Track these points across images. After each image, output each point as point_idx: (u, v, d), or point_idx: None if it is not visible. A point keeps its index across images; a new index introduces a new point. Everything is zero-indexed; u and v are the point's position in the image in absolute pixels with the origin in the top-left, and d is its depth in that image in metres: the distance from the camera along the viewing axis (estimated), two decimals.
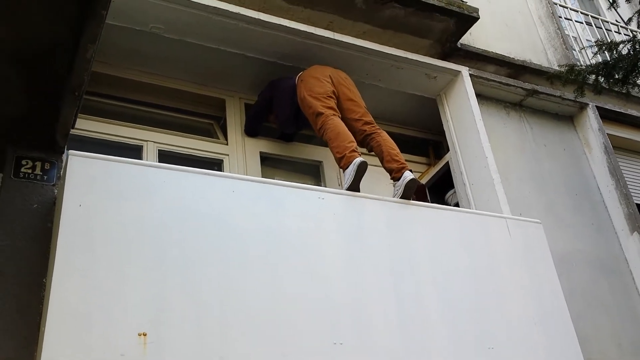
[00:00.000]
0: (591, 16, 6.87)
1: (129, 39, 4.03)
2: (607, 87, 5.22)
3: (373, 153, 4.07)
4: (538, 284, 3.82)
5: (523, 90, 5.31)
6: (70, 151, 2.79)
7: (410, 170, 3.83)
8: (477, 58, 5.17)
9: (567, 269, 4.55)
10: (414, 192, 3.78)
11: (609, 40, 5.25)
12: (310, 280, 3.04)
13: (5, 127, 2.89)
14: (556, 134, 5.47)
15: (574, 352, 3.69)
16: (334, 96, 4.10)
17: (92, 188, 2.72)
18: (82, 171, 2.74)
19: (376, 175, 4.33)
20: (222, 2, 3.99)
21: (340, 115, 4.02)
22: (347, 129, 3.90)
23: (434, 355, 3.19)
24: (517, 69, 5.41)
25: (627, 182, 5.36)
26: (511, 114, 5.30)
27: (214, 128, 4.57)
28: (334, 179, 4.62)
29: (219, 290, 2.77)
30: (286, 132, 4.61)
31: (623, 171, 5.43)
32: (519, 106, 5.40)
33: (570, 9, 6.76)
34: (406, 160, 3.99)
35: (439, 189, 5.15)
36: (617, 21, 6.86)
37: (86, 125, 3.92)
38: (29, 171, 2.95)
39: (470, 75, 4.99)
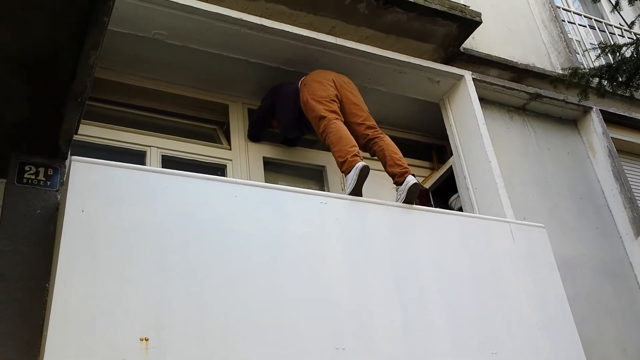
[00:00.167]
0: (594, 19, 6.86)
1: (132, 45, 4.05)
2: (611, 90, 5.21)
3: (376, 157, 4.06)
4: (542, 288, 3.81)
5: (526, 94, 5.31)
6: (73, 157, 2.80)
7: (413, 175, 3.82)
8: (480, 62, 5.17)
9: (571, 273, 4.53)
10: (417, 197, 3.77)
11: (612, 43, 5.24)
12: (312, 284, 3.04)
13: (8, 133, 2.90)
14: (560, 138, 5.46)
15: (578, 357, 3.68)
16: (336, 100, 4.11)
17: (94, 193, 2.73)
18: (84, 176, 2.74)
19: (379, 179, 4.33)
20: (225, 8, 4.00)
21: (343, 119, 4.02)
22: (349, 133, 3.90)
23: (437, 359, 3.18)
24: (520, 72, 5.41)
25: (632, 186, 5.34)
26: (514, 118, 5.29)
27: (217, 133, 4.58)
28: (337, 184, 4.62)
29: (221, 294, 2.77)
30: (289, 137, 4.62)
31: (627, 175, 5.42)
32: (522, 110, 5.39)
33: (574, 12, 6.75)
34: (409, 165, 3.99)
35: (442, 194, 5.14)
36: (620, 24, 6.85)
37: (90, 131, 3.93)
38: (32, 177, 2.97)
39: (473, 79, 4.99)
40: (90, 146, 3.90)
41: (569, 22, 6.55)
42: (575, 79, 5.00)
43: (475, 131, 4.75)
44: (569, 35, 6.26)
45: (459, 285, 3.51)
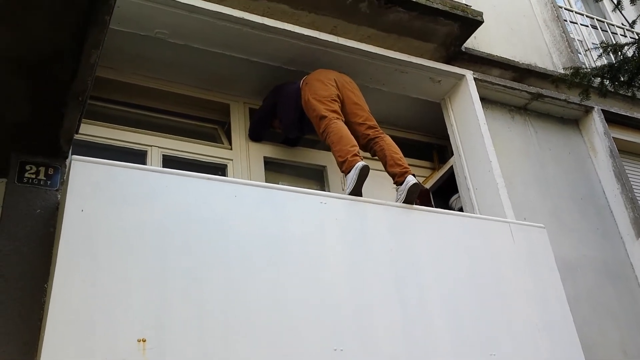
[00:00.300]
0: (596, 19, 6.84)
1: (134, 44, 4.05)
2: (613, 90, 5.20)
3: (376, 157, 4.06)
4: (542, 288, 3.81)
5: (528, 93, 5.30)
6: (73, 156, 2.80)
7: (414, 175, 3.82)
8: (481, 62, 5.16)
9: (572, 274, 4.52)
10: (417, 197, 3.77)
11: (614, 42, 5.23)
12: (312, 284, 3.04)
13: (9, 133, 2.90)
14: (561, 138, 5.45)
15: (578, 358, 3.67)
16: (338, 100, 4.11)
17: (94, 193, 2.73)
18: (84, 176, 2.75)
19: (379, 179, 4.33)
20: (227, 7, 4.00)
21: (343, 119, 4.02)
22: (350, 132, 3.90)
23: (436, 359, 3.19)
24: (521, 72, 5.40)
25: (633, 186, 5.33)
26: (516, 118, 5.29)
27: (218, 133, 4.58)
28: (338, 184, 4.62)
29: (221, 294, 2.77)
30: (290, 137, 4.62)
31: (629, 175, 5.40)
32: (523, 110, 5.38)
33: (576, 12, 6.74)
34: (410, 165, 3.98)
35: (443, 194, 5.14)
36: (622, 24, 6.84)
37: (91, 131, 3.94)
38: (33, 176, 2.97)
39: (475, 79, 4.99)
40: (91, 146, 3.91)
41: (570, 21, 6.54)
42: (576, 79, 4.99)
43: (476, 131, 4.75)
44: (570, 35, 6.24)
45: (459, 286, 3.51)
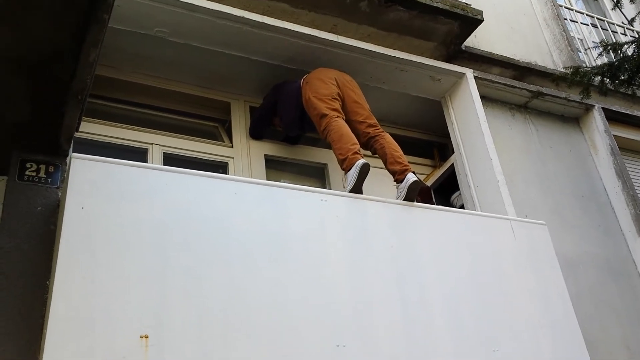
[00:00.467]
0: (596, 18, 6.84)
1: (134, 43, 4.06)
2: (613, 88, 5.19)
3: (377, 155, 4.07)
4: (544, 285, 3.80)
5: (528, 92, 5.30)
6: (73, 154, 2.81)
7: (414, 172, 3.82)
8: (481, 60, 5.16)
9: (574, 271, 4.52)
10: (418, 194, 3.77)
11: (614, 41, 5.22)
12: (312, 282, 3.04)
13: (10, 131, 2.91)
14: (562, 136, 5.45)
15: (581, 355, 3.66)
16: (338, 98, 4.11)
17: (94, 190, 2.73)
18: (84, 174, 2.75)
19: (380, 177, 4.33)
20: (227, 6, 4.00)
21: (344, 117, 4.03)
22: (350, 131, 3.90)
23: (437, 357, 3.17)
24: (522, 70, 5.40)
25: (634, 184, 5.33)
26: (516, 116, 5.29)
27: (219, 131, 4.59)
28: (339, 182, 4.62)
29: (221, 292, 2.77)
30: (290, 135, 4.62)
31: (630, 172, 5.40)
32: (524, 108, 5.38)
33: (576, 10, 6.73)
34: (411, 163, 3.99)
35: (444, 191, 5.14)
36: (623, 22, 6.83)
37: (92, 129, 3.95)
38: (34, 174, 2.97)
39: (475, 77, 4.99)
40: (93, 144, 3.91)
41: (571, 20, 6.54)
42: (577, 77, 4.99)
43: (476, 129, 4.75)
44: (571, 33, 6.24)
45: (460, 283, 3.50)
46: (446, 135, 5.13)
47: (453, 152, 4.98)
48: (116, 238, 2.67)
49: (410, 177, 3.73)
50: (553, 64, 5.82)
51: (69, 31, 2.44)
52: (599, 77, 5.03)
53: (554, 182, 5.03)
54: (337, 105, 4.07)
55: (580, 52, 6.18)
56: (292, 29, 4.24)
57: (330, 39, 4.40)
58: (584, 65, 5.65)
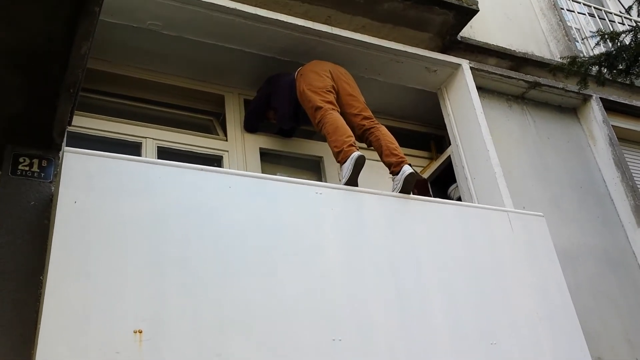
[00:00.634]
0: (594, 7, 6.80)
1: (127, 36, 4.03)
2: (610, 78, 5.16)
3: (372, 148, 4.04)
4: (542, 278, 3.78)
5: (525, 82, 5.27)
6: (66, 148, 2.80)
7: (410, 164, 3.80)
8: (478, 51, 5.13)
9: (573, 263, 4.50)
10: (414, 186, 3.75)
11: (611, 30, 5.19)
12: (308, 275, 3.02)
13: (2, 126, 2.88)
14: (559, 127, 5.42)
15: (580, 347, 3.64)
16: (333, 91, 4.09)
17: (87, 185, 2.71)
18: (77, 168, 2.73)
19: (376, 169, 4.31)
20: None
21: (339, 110, 4.00)
22: (345, 123, 3.88)
23: (435, 350, 3.16)
24: (518, 61, 5.37)
25: (633, 174, 5.30)
26: (513, 107, 5.26)
27: (213, 124, 4.56)
28: (335, 175, 4.60)
29: (216, 286, 2.75)
30: (285, 128, 4.59)
31: (628, 163, 5.38)
32: (521, 99, 5.36)
33: (573, 0, 6.70)
34: (408, 155, 3.97)
35: (441, 183, 5.12)
36: (620, 12, 6.80)
37: (86, 123, 3.92)
38: (27, 168, 2.95)
39: (471, 68, 4.96)
40: (87, 138, 3.89)
41: (567, 10, 6.50)
42: (574, 67, 4.95)
43: (473, 120, 4.73)
44: (568, 23, 6.21)
45: (458, 275, 3.48)
46: (443, 127, 5.10)
47: (450, 144, 4.96)
48: (110, 232, 2.65)
49: (406, 169, 3.71)
50: (550, 54, 5.79)
51: (61, 24, 2.42)
52: (597, 67, 5.00)
53: (552, 174, 5.01)
54: (332, 97, 4.04)
55: (577, 41, 6.15)
56: (286, 20, 4.21)
57: (324, 30, 4.37)
58: (581, 55, 5.63)
